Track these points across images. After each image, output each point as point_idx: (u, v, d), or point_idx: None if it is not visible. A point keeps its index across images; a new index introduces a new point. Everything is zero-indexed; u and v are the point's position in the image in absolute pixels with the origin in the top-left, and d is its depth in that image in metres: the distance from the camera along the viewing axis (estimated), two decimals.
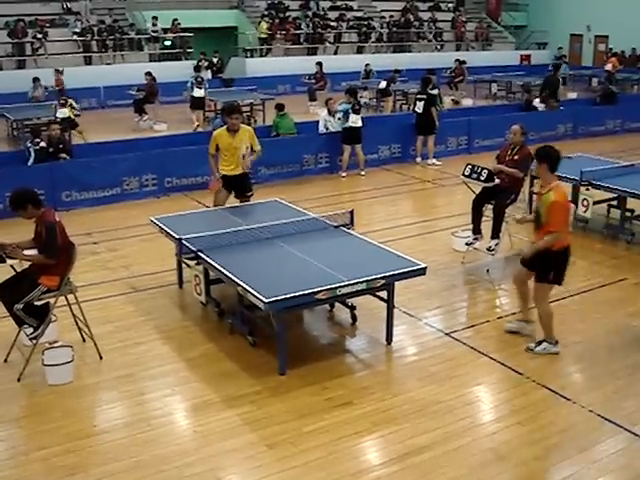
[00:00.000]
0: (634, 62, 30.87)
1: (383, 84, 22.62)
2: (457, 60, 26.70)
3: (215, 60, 25.18)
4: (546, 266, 7.01)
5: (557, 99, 20.18)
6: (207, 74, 24.47)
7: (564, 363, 7.21)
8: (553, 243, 6.85)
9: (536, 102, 19.56)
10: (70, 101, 17.80)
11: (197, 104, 20.50)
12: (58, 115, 17.00)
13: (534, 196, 11.52)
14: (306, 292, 6.54)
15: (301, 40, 31.36)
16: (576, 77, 28.41)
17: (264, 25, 30.43)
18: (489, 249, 9.50)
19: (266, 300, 6.35)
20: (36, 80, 21.00)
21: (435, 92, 16.29)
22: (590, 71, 29.47)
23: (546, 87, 20.54)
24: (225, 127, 9.62)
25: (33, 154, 13.24)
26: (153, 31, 28.29)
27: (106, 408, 6.41)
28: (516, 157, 9.43)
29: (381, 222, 11.54)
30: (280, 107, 16.10)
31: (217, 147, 9.60)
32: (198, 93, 20.37)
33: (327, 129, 15.53)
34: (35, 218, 6.89)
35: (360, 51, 32.04)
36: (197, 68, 22.35)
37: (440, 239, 10.53)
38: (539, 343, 7.25)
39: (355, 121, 14.65)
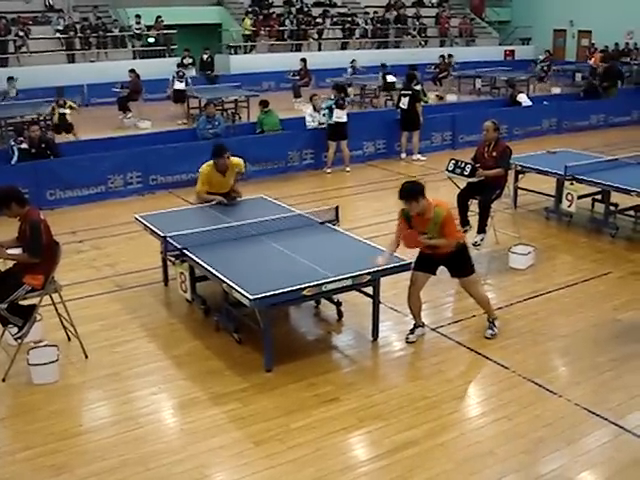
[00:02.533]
0: (617, 57, 30.97)
1: (392, 78, 22.24)
2: (442, 56, 26.73)
3: (205, 57, 25.10)
4: (466, 261, 7.26)
5: (617, 86, 22.74)
6: (191, 71, 24.41)
7: (550, 357, 7.25)
8: (453, 245, 7.03)
9: (520, 97, 19.61)
10: (69, 102, 17.61)
11: (178, 97, 20.73)
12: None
13: (519, 191, 11.64)
14: (292, 288, 6.53)
15: (285, 36, 31.28)
16: (560, 72, 28.50)
17: (248, 22, 30.35)
18: (475, 244, 9.54)
19: (251, 297, 6.34)
20: (10, 79, 21.01)
21: (418, 87, 16.30)
22: (574, 66, 29.55)
23: (607, 77, 22.68)
24: (213, 165, 9.02)
25: (17, 153, 13.14)
26: (137, 28, 28.16)
27: (92, 407, 6.39)
28: (494, 154, 9.48)
29: (366, 218, 11.54)
30: (265, 104, 16.05)
31: None
32: (178, 86, 20.60)
33: (313, 123, 15.44)
34: (19, 216, 6.84)
35: (344, 47, 31.99)
36: (181, 64, 22.40)
37: None
38: (492, 324, 7.54)
39: (340, 116, 14.63)
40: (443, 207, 6.89)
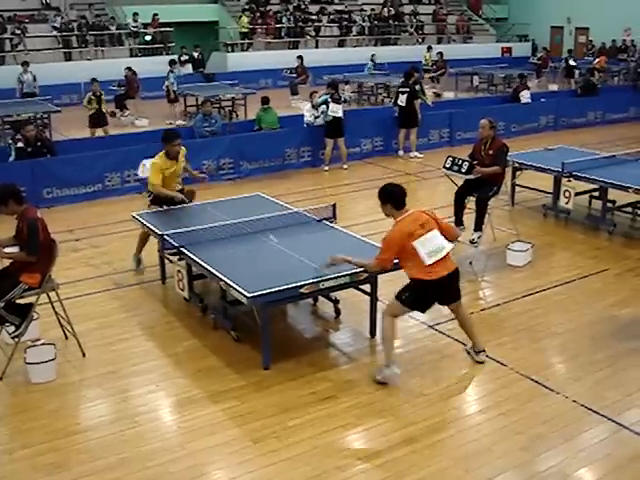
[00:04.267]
0: (614, 54, 31.01)
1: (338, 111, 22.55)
2: (435, 51, 26.67)
3: (196, 55, 25.07)
4: (405, 286, 6.51)
5: None
6: (188, 68, 24.38)
7: (547, 354, 7.25)
8: (367, 267, 6.58)
9: (523, 93, 19.55)
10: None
11: (169, 97, 20.88)
12: None
13: (516, 188, 11.66)
14: (289, 286, 6.53)
15: (282, 34, 31.25)
16: (557, 69, 28.50)
17: (245, 19, 30.35)
18: (472, 241, 9.54)
19: (249, 295, 6.34)
20: (25, 64, 20.84)
21: (417, 88, 16.28)
22: None
23: None
24: (164, 154, 8.98)
25: (14, 151, 13.12)
26: (134, 26, 28.12)
27: (90, 405, 6.38)
28: (491, 152, 9.48)
29: (364, 215, 11.52)
30: (265, 101, 16.01)
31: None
32: (164, 86, 20.75)
33: (310, 119, 15.44)
34: (17, 215, 6.83)
35: (341, 45, 31.99)
36: (177, 61, 22.35)
37: None
38: (384, 367, 6.61)
39: (335, 110, 14.56)
40: (393, 230, 6.38)
